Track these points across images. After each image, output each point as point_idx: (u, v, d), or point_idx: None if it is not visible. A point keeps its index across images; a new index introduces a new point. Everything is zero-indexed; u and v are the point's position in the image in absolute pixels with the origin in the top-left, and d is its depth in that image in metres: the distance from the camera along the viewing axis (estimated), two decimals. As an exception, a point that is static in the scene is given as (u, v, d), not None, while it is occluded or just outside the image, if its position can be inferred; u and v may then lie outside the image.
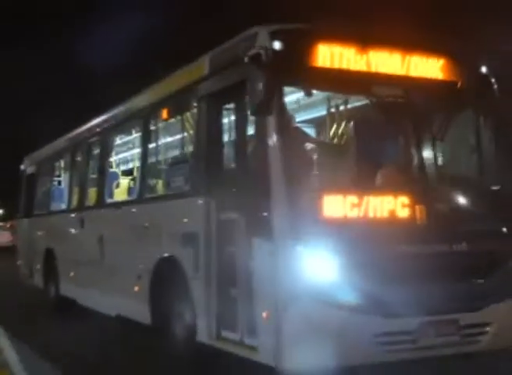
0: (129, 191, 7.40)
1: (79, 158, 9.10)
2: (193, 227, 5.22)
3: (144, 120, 6.47)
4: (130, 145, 8.07)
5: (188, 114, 5.70)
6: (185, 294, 5.45)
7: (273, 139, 4.12)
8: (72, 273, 9.01)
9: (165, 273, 5.83)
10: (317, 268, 4.03)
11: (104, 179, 7.70)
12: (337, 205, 4.19)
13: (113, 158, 8.32)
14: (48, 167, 10.94)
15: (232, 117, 5.08)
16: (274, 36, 4.29)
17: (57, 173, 10.82)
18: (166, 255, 5.73)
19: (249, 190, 4.55)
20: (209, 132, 5.11)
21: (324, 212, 4.15)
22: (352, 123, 5.20)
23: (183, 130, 5.98)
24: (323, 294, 4.00)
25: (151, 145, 6.54)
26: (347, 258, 4.08)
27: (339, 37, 4.57)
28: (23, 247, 12.16)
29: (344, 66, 4.50)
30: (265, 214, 4.20)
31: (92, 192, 8.52)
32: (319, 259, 4.04)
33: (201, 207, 5.06)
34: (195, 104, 5.33)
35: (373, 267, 4.13)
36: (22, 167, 12.29)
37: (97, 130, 7.96)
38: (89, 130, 8.45)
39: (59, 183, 10.74)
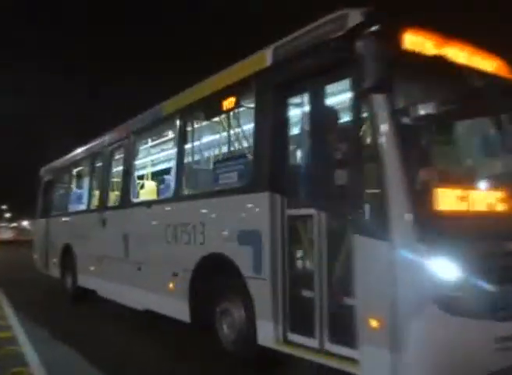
0: (162, 190, 5.43)
1: (100, 164, 7.00)
2: (253, 224, 3.47)
3: (185, 119, 4.61)
4: (165, 146, 6.08)
5: (248, 106, 3.93)
6: (238, 294, 3.69)
7: (390, 124, 2.49)
8: (92, 267, 6.90)
9: (210, 272, 4.02)
10: (444, 271, 2.42)
11: (129, 181, 5.71)
12: (463, 201, 2.60)
13: (138, 162, 6.29)
14: (66, 174, 8.73)
15: (303, 108, 3.40)
16: (369, 17, 2.71)
17: (75, 178, 8.61)
18: (213, 252, 3.93)
19: (331, 184, 2.92)
20: (276, 124, 3.39)
21: (449, 209, 2.56)
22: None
23: (238, 123, 4.23)
24: (450, 300, 2.39)
25: (193, 143, 4.69)
26: (473, 259, 2.49)
27: (421, 25, 3.02)
28: (39, 243, 9.91)
29: (433, 53, 2.94)
30: (373, 211, 2.57)
31: (115, 194, 6.56)
32: (446, 261, 2.43)
33: (265, 203, 3.33)
34: (259, 95, 3.58)
35: (501, 268, 2.56)
36: (40, 175, 10.11)
37: (124, 134, 5.94)
38: (115, 135, 6.40)
39: (78, 187, 8.54)
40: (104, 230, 6.38)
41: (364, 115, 2.68)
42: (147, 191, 5.95)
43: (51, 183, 9.43)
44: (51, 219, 9.08)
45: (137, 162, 6.03)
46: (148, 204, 5.12)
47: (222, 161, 4.15)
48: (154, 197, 5.85)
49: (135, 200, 5.67)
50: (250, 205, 3.51)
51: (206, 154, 4.81)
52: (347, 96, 3.10)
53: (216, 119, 4.36)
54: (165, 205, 4.80)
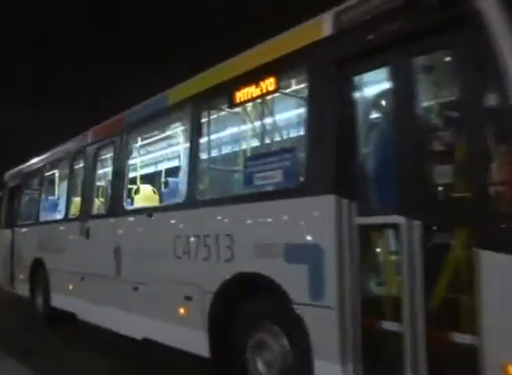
0: (166, 195, 4.51)
1: (82, 165, 6.00)
2: (309, 236, 2.69)
3: (201, 107, 3.76)
4: (170, 141, 5.15)
5: (294, 89, 3.16)
6: (283, 324, 2.90)
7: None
8: (71, 286, 5.88)
9: (240, 295, 3.20)
10: None
11: (121, 185, 4.78)
12: None
13: (133, 161, 5.34)
14: (37, 179, 7.62)
15: (379, 88, 2.67)
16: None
17: (49, 183, 7.52)
18: (245, 272, 3.12)
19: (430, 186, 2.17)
20: (340, 109, 2.64)
21: None
22: None
23: (277, 111, 3.45)
24: None
25: (211, 137, 3.80)
26: None
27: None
28: (2, 256, 8.62)
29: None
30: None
31: (100, 200, 5.60)
32: None
33: (329, 209, 2.57)
34: (314, 75, 2.81)
35: None
36: (4, 180, 8.95)
37: (115, 129, 5.00)
38: (102, 131, 5.44)
39: (52, 193, 7.46)
40: (88, 242, 5.40)
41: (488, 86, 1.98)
42: (144, 196, 5.03)
43: (18, 189, 8.29)
44: (18, 229, 7.93)
45: (132, 162, 5.08)
46: (149, 211, 4.22)
47: (259, 157, 3.31)
48: (152, 203, 4.94)
49: (129, 207, 4.75)
50: (304, 212, 2.73)
51: (229, 149, 3.97)
52: (447, 69, 2.41)
53: (245, 106, 3.54)
54: (174, 213, 3.92)
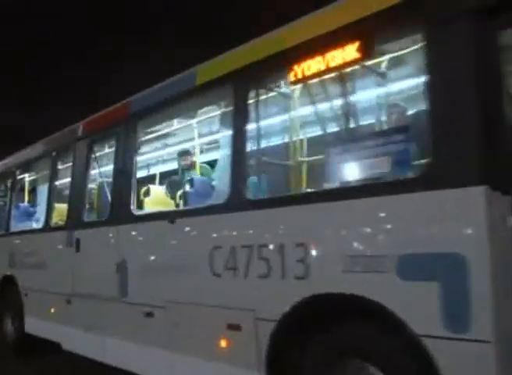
0: (192, 195, 3.61)
1: (70, 164, 4.99)
2: (443, 242, 1.94)
3: (248, 85, 2.94)
4: (198, 131, 4.18)
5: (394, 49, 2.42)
6: (385, 364, 2.13)
7: None
8: (53, 309, 4.86)
9: (318, 323, 2.40)
10: None
11: (127, 185, 3.84)
12: None
13: (142, 157, 4.43)
14: (5, 183, 6.51)
15: None
16: None
17: (21, 187, 6.43)
18: (328, 293, 2.33)
19: None
20: (485, 73, 1.94)
21: None
22: None
23: (370, 80, 2.69)
24: None
25: (260, 122, 2.94)
26: None
27: None
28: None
29: None
30: None
31: (95, 204, 4.64)
32: None
33: (477, 205, 1.84)
34: (440, 28, 2.06)
35: None
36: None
37: (119, 118, 4.07)
38: (99, 121, 4.49)
39: (25, 198, 6.37)
40: (78, 256, 4.43)
41: None
42: (156, 199, 4.13)
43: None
44: (-18, 242, 6.74)
45: (141, 159, 4.18)
46: (171, 216, 3.34)
47: (349, 143, 2.46)
48: (166, 206, 4.04)
49: (139, 212, 3.84)
50: (433, 211, 1.98)
51: (294, 136, 3.16)
52: None
53: (320, 79, 2.75)
54: (209, 218, 3.06)
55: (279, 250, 2.57)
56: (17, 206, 6.22)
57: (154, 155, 5.08)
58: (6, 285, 5.79)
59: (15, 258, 5.75)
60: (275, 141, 3.23)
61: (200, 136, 4.33)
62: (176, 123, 4.22)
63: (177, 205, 3.97)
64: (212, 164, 4.61)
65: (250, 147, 2.92)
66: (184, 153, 4.56)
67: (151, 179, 4.85)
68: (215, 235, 3.00)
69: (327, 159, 2.44)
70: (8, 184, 6.30)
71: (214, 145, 4.51)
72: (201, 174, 4.35)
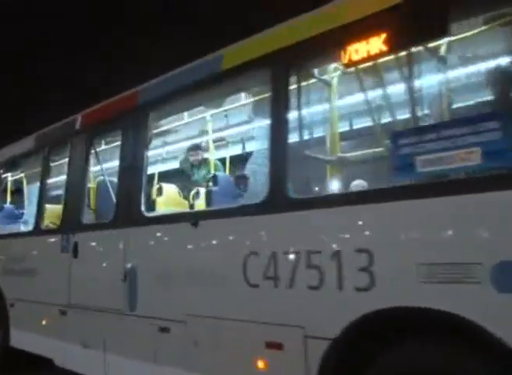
0: (216, 194, 3.21)
1: (63, 161, 4.55)
2: None
3: (288, 68, 2.57)
4: (223, 121, 3.77)
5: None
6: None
7: None
8: (44, 321, 4.36)
9: (384, 341, 2.05)
10: None
11: (137, 183, 3.43)
12: None
13: (152, 152, 3.98)
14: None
15: None
16: None
17: (5, 186, 5.88)
18: (397, 306, 1.98)
19: None
20: None
21: None
22: None
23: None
24: None
25: (301, 110, 2.57)
26: None
27: None
28: None
29: None
30: None
31: (97, 205, 4.19)
32: None
33: None
34: None
35: None
36: None
37: (126, 108, 3.64)
38: (101, 111, 4.03)
39: (11, 199, 5.83)
40: (75, 262, 3.97)
41: None
42: (169, 198, 3.71)
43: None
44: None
45: (151, 154, 3.76)
46: (194, 218, 2.94)
47: (422, 132, 2.09)
48: (179, 207, 3.64)
49: (151, 213, 3.42)
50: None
51: (345, 126, 2.82)
52: None
53: (377, 62, 2.41)
54: (242, 219, 2.68)
55: (334, 257, 2.21)
56: (1, 207, 5.68)
57: (167, 149, 4.65)
58: (-11, 294, 5.24)
59: (-1, 264, 5.22)
60: (321, 132, 2.86)
61: (225, 128, 3.92)
62: (194, 114, 3.81)
63: (191, 206, 3.57)
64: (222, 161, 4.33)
65: (293, 138, 2.56)
66: (195, 148, 4.18)
67: (162, 177, 4.40)
68: (250, 239, 2.62)
69: (395, 152, 2.10)
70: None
71: (238, 138, 4.16)
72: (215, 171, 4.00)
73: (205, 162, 4.14)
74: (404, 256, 2.00)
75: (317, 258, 2.28)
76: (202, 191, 3.61)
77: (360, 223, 2.18)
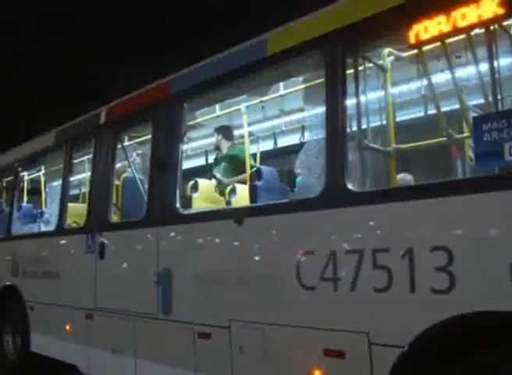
0: (265, 189, 3.02)
1: (87, 156, 4.49)
2: None
3: (345, 53, 2.42)
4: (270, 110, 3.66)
5: None
6: None
7: None
8: (68, 326, 4.25)
9: (451, 352, 1.90)
10: None
11: (169, 179, 3.30)
12: None
13: (188, 145, 3.89)
14: (8, 178, 5.90)
15: None
16: None
17: (24, 184, 5.81)
18: (488, 310, 1.81)
19: None
20: None
21: None
22: None
23: None
24: None
25: (361, 96, 2.44)
26: None
27: None
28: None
29: None
30: None
31: (126, 202, 4.07)
32: None
33: None
34: None
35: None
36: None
37: (162, 96, 3.51)
38: (135, 101, 3.87)
39: (31, 197, 5.75)
40: (102, 264, 3.85)
41: None
42: (206, 195, 3.58)
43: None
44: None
45: (185, 148, 3.64)
46: (238, 215, 2.80)
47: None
48: (216, 204, 3.51)
49: (187, 211, 3.29)
50: None
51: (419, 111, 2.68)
52: None
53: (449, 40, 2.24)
54: (293, 216, 2.52)
55: (405, 255, 2.05)
56: (20, 207, 5.60)
57: (203, 143, 4.53)
58: (7, 296, 5.16)
59: (18, 265, 5.12)
60: (381, 120, 2.71)
61: (268, 118, 3.80)
62: (232, 104, 3.68)
63: (228, 202, 3.44)
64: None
65: (351, 127, 2.42)
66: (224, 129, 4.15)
67: (198, 172, 4.29)
68: (304, 237, 2.47)
69: (479, 138, 1.92)
70: (10, 181, 5.68)
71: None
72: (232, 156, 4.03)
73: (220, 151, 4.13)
74: (496, 254, 1.82)
75: (384, 258, 2.12)
76: (239, 187, 3.47)
77: (436, 218, 2.02)
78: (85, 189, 4.70)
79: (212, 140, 4.36)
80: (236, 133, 4.29)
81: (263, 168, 3.20)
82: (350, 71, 2.44)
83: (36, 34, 13.29)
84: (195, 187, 3.63)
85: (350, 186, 2.31)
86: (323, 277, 2.32)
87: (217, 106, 3.92)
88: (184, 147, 3.62)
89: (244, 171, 3.63)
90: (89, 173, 4.40)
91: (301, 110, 3.60)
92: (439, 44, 2.26)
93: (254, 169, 3.29)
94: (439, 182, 2.07)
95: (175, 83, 3.49)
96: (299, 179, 3.25)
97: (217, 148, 4.37)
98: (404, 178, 3.24)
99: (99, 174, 4.13)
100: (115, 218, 4.02)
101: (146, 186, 3.62)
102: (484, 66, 2.13)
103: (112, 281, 3.77)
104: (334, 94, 2.43)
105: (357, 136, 2.46)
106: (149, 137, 3.69)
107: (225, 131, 4.22)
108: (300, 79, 3.09)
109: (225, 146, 4.21)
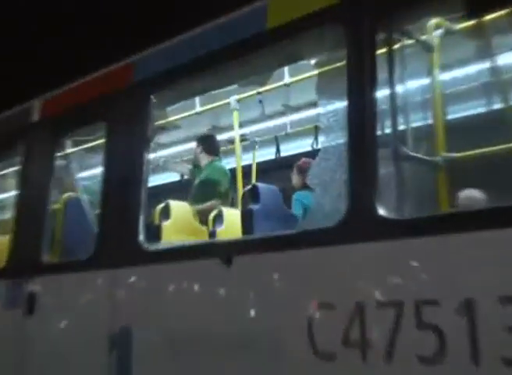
0: (264, 216, 3.05)
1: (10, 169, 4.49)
2: None
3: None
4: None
5: None
6: None
7: None
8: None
9: None
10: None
11: (128, 200, 3.34)
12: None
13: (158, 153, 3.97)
14: None
15: None
16: None
17: None
18: None
19: None
20: None
21: None
22: None
23: None
24: None
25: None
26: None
27: None
28: None
29: None
30: None
31: (65, 235, 4.12)
32: None
33: None
34: None
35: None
36: None
37: (121, 85, 3.63)
38: (80, 93, 3.99)
39: None
40: (30, 322, 3.86)
41: None
42: (182, 223, 3.62)
43: None
44: None
45: (153, 157, 3.70)
46: (226, 251, 2.83)
47: None
48: (199, 236, 3.56)
49: (154, 246, 3.36)
50: None
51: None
52: None
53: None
54: (307, 253, 2.54)
55: (465, 310, 2.06)
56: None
57: (177, 150, 4.62)
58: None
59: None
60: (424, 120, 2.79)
61: (269, 116, 3.88)
62: (218, 97, 3.77)
63: (211, 234, 3.49)
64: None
65: (383, 130, 2.49)
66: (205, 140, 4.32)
67: (170, 191, 4.35)
68: (319, 284, 2.50)
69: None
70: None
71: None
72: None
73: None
74: None
75: (433, 313, 2.14)
76: (228, 212, 3.54)
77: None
78: (7, 214, 4.70)
79: (190, 146, 4.44)
80: (223, 136, 4.36)
81: (261, 186, 3.25)
82: (381, 50, 2.51)
83: (36, 34, 14.70)
84: (166, 213, 3.68)
85: (381, 211, 2.33)
86: (346, 341, 2.33)
87: (197, 100, 4.01)
88: (151, 156, 3.61)
89: (218, 196, 3.78)
90: (14, 192, 4.44)
91: (313, 105, 3.68)
92: (508, 10, 2.34)
93: (249, 187, 3.33)
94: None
95: (139, 68, 3.59)
96: (311, 200, 3.31)
97: (195, 164, 4.53)
98: (471, 196, 3.19)
99: (29, 194, 4.18)
100: (50, 257, 4.07)
101: (97, 211, 3.71)
102: None
103: (44, 348, 3.76)
104: (359, 83, 2.49)
105: (392, 141, 2.52)
106: (102, 142, 3.77)
107: (207, 143, 4.40)
108: (312, 62, 3.16)
109: (203, 162, 4.39)
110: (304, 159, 4.47)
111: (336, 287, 2.44)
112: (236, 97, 3.76)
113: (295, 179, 4.47)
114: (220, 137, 4.48)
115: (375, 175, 2.38)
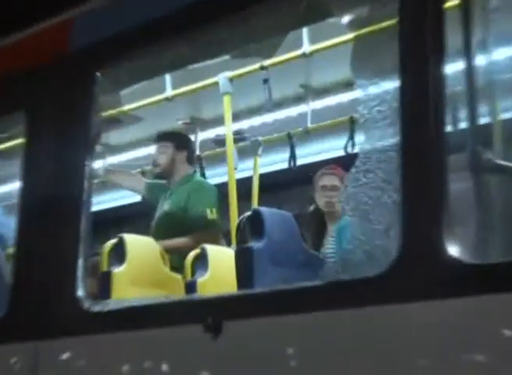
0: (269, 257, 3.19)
1: None
2: None
3: None
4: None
5: None
6: None
7: None
8: None
9: None
10: None
11: (63, 233, 3.51)
12: None
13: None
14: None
15: None
16: None
17: None
18: None
19: None
20: None
21: None
22: None
23: None
24: None
25: None
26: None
27: None
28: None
29: None
30: None
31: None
32: None
33: None
34: None
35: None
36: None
37: (52, 50, 3.82)
38: None
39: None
40: None
41: None
42: (142, 269, 3.76)
43: None
44: None
45: (100, 164, 3.82)
46: (209, 314, 2.89)
47: None
48: (168, 290, 3.69)
49: (101, 306, 3.46)
50: None
51: None
52: None
53: None
54: (332, 313, 2.62)
55: None
56: None
57: (137, 155, 4.78)
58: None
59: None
60: None
61: (278, 103, 4.00)
62: (200, 74, 3.97)
63: (190, 286, 3.59)
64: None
65: (459, 123, 2.63)
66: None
67: (126, 218, 4.49)
68: (358, 360, 2.53)
69: None
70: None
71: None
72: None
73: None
74: None
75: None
76: (213, 251, 3.67)
77: None
78: None
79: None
80: (208, 134, 4.47)
81: (266, 211, 3.32)
82: (451, 2, 2.59)
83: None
84: (119, 253, 3.76)
85: (453, 251, 2.35)
86: None
87: (168, 79, 4.10)
88: (96, 164, 3.72)
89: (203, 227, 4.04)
90: None
91: (347, 87, 3.76)
92: None
93: (248, 213, 3.41)
94: None
95: (78, 30, 3.72)
96: (342, 232, 3.36)
97: (160, 175, 4.73)
98: None
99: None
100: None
101: (12, 249, 3.85)
102: None
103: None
104: (419, 53, 2.55)
105: (470, 142, 2.57)
106: (20, 141, 3.93)
107: (184, 144, 4.56)
108: (345, 20, 3.21)
109: (178, 174, 4.59)
110: (332, 168, 4.54)
111: (384, 363, 2.45)
112: (228, 74, 3.82)
113: (320, 198, 4.52)
114: (203, 134, 4.51)
115: (443, 195, 2.41)
